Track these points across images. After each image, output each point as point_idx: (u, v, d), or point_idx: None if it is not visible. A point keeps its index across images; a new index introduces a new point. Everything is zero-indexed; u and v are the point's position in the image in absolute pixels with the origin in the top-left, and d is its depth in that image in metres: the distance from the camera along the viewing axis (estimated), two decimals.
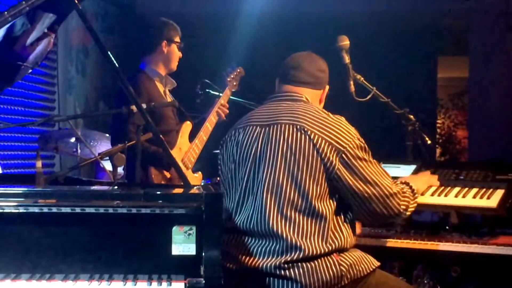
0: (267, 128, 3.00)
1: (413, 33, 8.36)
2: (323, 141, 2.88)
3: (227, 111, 4.80)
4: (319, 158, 2.87)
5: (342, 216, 2.94)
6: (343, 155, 2.88)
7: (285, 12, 7.70)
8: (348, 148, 2.89)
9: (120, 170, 4.41)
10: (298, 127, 2.93)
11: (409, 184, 3.13)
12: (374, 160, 2.98)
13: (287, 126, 2.95)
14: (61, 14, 2.96)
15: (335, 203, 2.92)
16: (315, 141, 2.88)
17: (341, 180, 2.88)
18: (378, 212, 2.94)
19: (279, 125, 2.97)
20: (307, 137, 2.90)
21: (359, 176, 2.89)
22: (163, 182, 4.30)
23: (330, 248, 2.84)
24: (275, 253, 2.85)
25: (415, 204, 3.12)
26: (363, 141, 2.96)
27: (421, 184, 3.32)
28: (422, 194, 3.39)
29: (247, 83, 5.18)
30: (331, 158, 2.87)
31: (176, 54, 4.56)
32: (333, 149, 2.87)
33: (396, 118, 3.93)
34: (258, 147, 2.99)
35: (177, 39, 4.56)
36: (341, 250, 2.88)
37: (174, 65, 4.58)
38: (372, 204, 2.92)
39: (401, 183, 3.13)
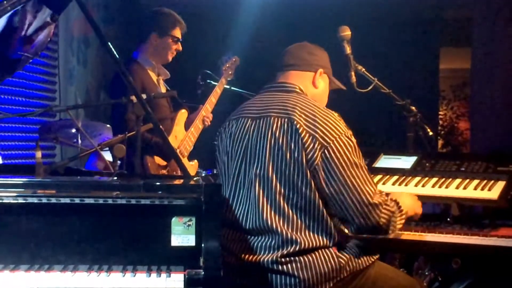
0: (258, 121, 2.98)
1: (415, 24, 8.33)
2: (308, 134, 2.83)
3: (211, 118, 4.75)
4: (304, 152, 2.82)
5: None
6: (326, 151, 2.81)
7: (286, 2, 7.68)
8: (332, 145, 2.81)
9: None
10: (286, 120, 2.89)
11: (398, 203, 2.96)
12: (362, 164, 2.86)
13: (276, 119, 2.93)
14: (61, 4, 2.95)
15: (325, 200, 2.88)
16: (302, 134, 2.84)
17: (318, 176, 2.81)
18: (355, 220, 2.82)
19: (268, 118, 2.95)
20: (295, 130, 2.86)
21: (337, 176, 2.79)
22: (160, 170, 4.29)
23: (327, 241, 2.83)
24: (271, 248, 2.84)
25: (402, 222, 2.96)
26: (354, 141, 2.86)
27: (410, 208, 3.08)
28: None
29: (248, 72, 5.18)
30: (314, 153, 2.81)
31: (168, 47, 4.51)
32: (317, 143, 2.81)
33: (398, 109, 3.92)
34: (248, 140, 2.98)
35: (174, 32, 4.50)
36: (339, 244, 2.87)
37: (165, 58, 4.55)
38: (348, 210, 2.81)
39: (391, 199, 2.94)
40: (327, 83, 3.18)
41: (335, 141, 2.82)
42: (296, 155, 2.84)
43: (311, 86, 3.12)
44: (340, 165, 2.81)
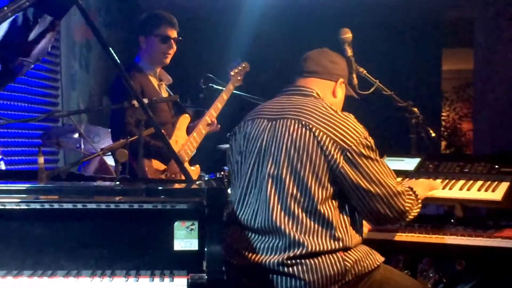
0: (274, 122, 2.99)
1: (417, 25, 8.33)
2: (328, 138, 2.85)
3: (216, 123, 4.72)
4: (322, 156, 2.84)
5: (349, 217, 2.92)
6: (348, 153, 2.84)
7: (288, 5, 7.69)
8: (353, 147, 2.85)
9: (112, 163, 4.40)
10: (303, 123, 2.91)
11: (412, 189, 3.08)
12: (381, 159, 2.94)
13: (292, 121, 2.93)
14: (62, 9, 2.95)
15: (340, 203, 2.89)
16: (319, 138, 2.86)
17: (345, 178, 2.85)
18: (381, 212, 2.90)
19: (285, 120, 2.96)
20: (312, 134, 2.87)
21: (363, 175, 2.85)
22: (158, 175, 4.28)
23: (334, 246, 2.82)
24: (278, 249, 2.84)
25: (418, 209, 3.07)
26: (371, 140, 2.92)
27: (423, 190, 3.23)
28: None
29: (250, 76, 5.16)
30: (335, 156, 2.84)
31: (156, 47, 4.45)
32: (338, 147, 2.84)
33: (400, 111, 3.91)
34: (263, 141, 2.98)
35: (160, 31, 4.44)
36: (346, 249, 2.86)
37: (160, 59, 4.48)
38: (376, 203, 2.88)
39: (409, 188, 3.07)
40: (344, 91, 3.20)
41: (355, 143, 2.86)
42: (313, 157, 2.85)
43: (330, 95, 3.13)
44: (364, 164, 2.86)
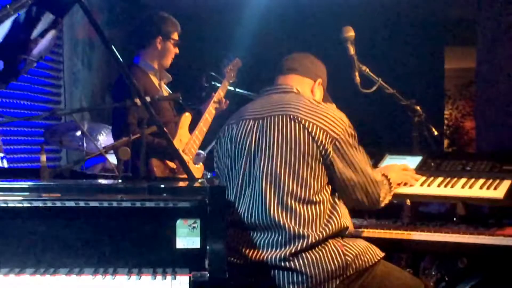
0: (261, 121, 3.03)
1: (419, 24, 8.31)
2: (318, 128, 2.92)
3: (226, 102, 4.76)
4: (315, 146, 2.91)
5: (336, 198, 2.99)
6: (337, 142, 2.93)
7: (290, 3, 7.68)
8: (341, 136, 2.94)
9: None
10: (291, 116, 2.96)
11: (387, 177, 3.20)
12: (360, 147, 3.04)
13: (280, 117, 2.98)
14: (65, 7, 2.95)
15: (333, 189, 2.98)
16: (310, 129, 2.92)
17: (333, 166, 2.94)
18: (359, 199, 3.01)
19: (273, 117, 3.00)
20: (302, 126, 2.93)
21: (348, 163, 2.95)
22: (166, 173, 4.29)
23: (333, 232, 2.87)
24: (278, 244, 2.86)
25: (390, 197, 3.21)
26: (353, 128, 3.02)
27: (396, 176, 3.34)
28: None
29: (253, 74, 5.17)
30: (326, 146, 2.91)
31: (171, 51, 4.52)
32: (328, 136, 2.92)
33: (402, 109, 3.91)
34: (252, 141, 3.02)
35: (175, 36, 4.52)
36: (338, 233, 2.91)
37: (168, 61, 4.56)
38: (355, 191, 2.98)
39: (384, 176, 3.20)
40: (321, 95, 3.27)
41: (343, 132, 2.96)
42: (306, 149, 2.91)
43: (309, 93, 3.20)
44: (349, 153, 2.96)
